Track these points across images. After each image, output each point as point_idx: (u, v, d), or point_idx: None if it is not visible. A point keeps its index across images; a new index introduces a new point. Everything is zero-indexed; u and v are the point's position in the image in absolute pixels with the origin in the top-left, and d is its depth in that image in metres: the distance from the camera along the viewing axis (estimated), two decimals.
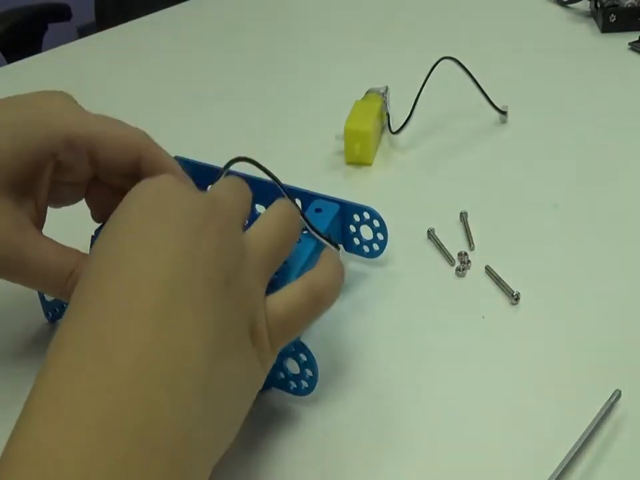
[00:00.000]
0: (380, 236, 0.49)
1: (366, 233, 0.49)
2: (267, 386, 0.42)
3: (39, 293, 0.45)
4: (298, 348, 0.39)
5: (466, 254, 0.50)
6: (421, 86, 0.63)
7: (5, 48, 1.37)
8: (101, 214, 0.44)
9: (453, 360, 0.43)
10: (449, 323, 0.45)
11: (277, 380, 0.40)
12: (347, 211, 0.48)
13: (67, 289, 0.39)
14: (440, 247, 0.51)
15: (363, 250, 0.50)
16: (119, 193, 0.43)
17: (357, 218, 0.48)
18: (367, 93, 0.66)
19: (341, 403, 0.40)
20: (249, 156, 0.42)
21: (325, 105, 0.73)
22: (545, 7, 0.93)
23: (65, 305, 0.45)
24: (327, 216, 0.46)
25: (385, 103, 0.66)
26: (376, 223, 0.48)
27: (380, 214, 0.48)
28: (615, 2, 0.84)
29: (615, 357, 0.42)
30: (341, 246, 0.47)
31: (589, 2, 0.89)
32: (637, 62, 0.78)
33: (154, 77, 0.82)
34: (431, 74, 0.63)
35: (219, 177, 0.45)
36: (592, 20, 0.88)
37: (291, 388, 0.40)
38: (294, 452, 0.38)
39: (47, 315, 0.46)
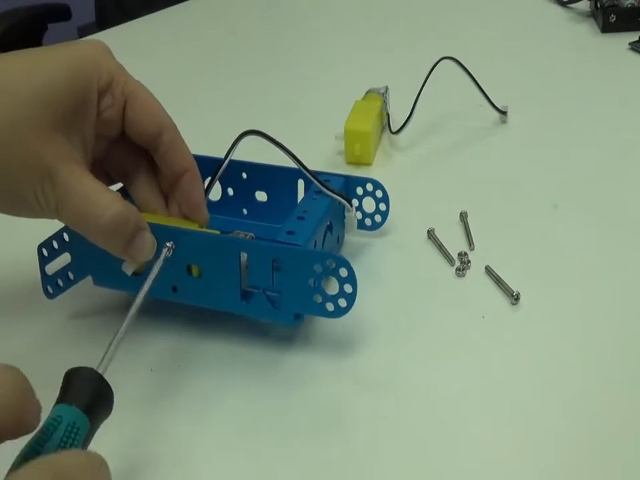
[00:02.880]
0: (382, 206, 0.51)
1: (367, 206, 0.51)
2: (300, 316, 0.42)
3: (40, 262, 0.44)
4: (339, 262, 0.39)
5: (466, 254, 0.50)
6: (421, 86, 0.63)
7: (5, 48, 1.37)
8: (117, 174, 0.45)
9: (453, 359, 0.43)
10: (449, 322, 0.45)
11: (313, 305, 0.41)
12: (350, 184, 0.50)
13: (104, 230, 0.38)
14: (440, 247, 0.51)
15: (365, 224, 0.51)
16: (138, 156, 0.44)
17: (359, 191, 0.50)
18: (367, 92, 0.66)
19: (335, 395, 0.41)
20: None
21: (325, 105, 0.73)
22: (545, 7, 0.94)
23: (69, 277, 0.44)
24: (334, 186, 0.48)
25: (385, 103, 0.65)
26: (378, 194, 0.50)
27: (382, 183, 0.49)
28: (615, 2, 0.84)
29: (615, 356, 0.42)
30: (354, 202, 0.49)
31: (588, 2, 0.89)
32: (637, 62, 0.78)
33: (153, 77, 0.82)
34: (431, 74, 0.63)
35: (227, 154, 0.45)
36: (592, 20, 0.88)
37: (328, 311, 0.41)
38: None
39: (45, 290, 0.45)
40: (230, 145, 0.46)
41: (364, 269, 0.50)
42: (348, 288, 0.40)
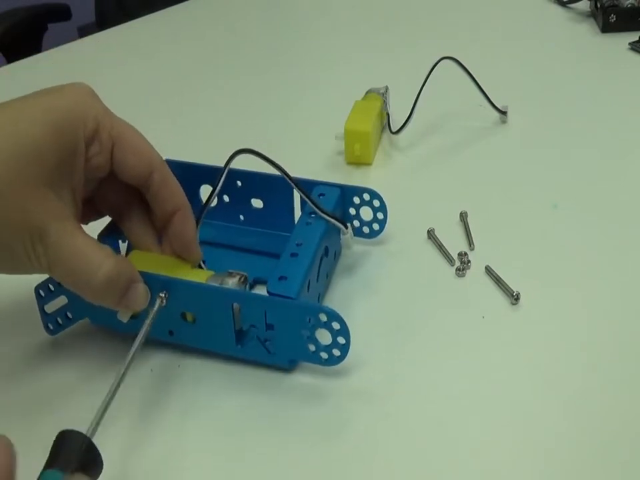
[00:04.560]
0: (380, 215, 0.50)
1: (365, 214, 0.51)
2: (295, 361, 0.42)
3: (38, 303, 0.44)
4: (331, 316, 0.39)
5: (466, 254, 0.50)
6: (421, 86, 0.63)
7: (5, 48, 1.37)
8: (108, 211, 0.44)
9: (453, 359, 0.43)
10: (449, 322, 0.45)
11: (306, 353, 0.41)
12: (347, 194, 0.50)
13: (97, 289, 0.38)
14: (440, 247, 0.51)
15: (363, 231, 0.51)
16: (130, 193, 0.43)
17: (356, 200, 0.50)
18: (367, 92, 0.66)
19: (334, 401, 0.41)
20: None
21: (325, 105, 0.73)
22: (545, 7, 0.93)
23: (68, 316, 0.44)
24: (330, 199, 0.48)
25: (385, 103, 0.65)
26: (376, 203, 0.50)
27: (379, 193, 0.49)
28: (615, 2, 0.84)
29: (615, 356, 0.42)
30: (349, 225, 0.48)
31: (589, 2, 0.89)
32: (637, 62, 0.78)
33: (154, 77, 0.82)
34: (431, 74, 0.63)
35: (222, 172, 0.45)
36: (592, 20, 0.88)
37: (322, 359, 0.41)
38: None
39: (46, 327, 0.45)
40: (227, 151, 0.46)
41: (364, 272, 0.50)
42: (341, 340, 0.40)
